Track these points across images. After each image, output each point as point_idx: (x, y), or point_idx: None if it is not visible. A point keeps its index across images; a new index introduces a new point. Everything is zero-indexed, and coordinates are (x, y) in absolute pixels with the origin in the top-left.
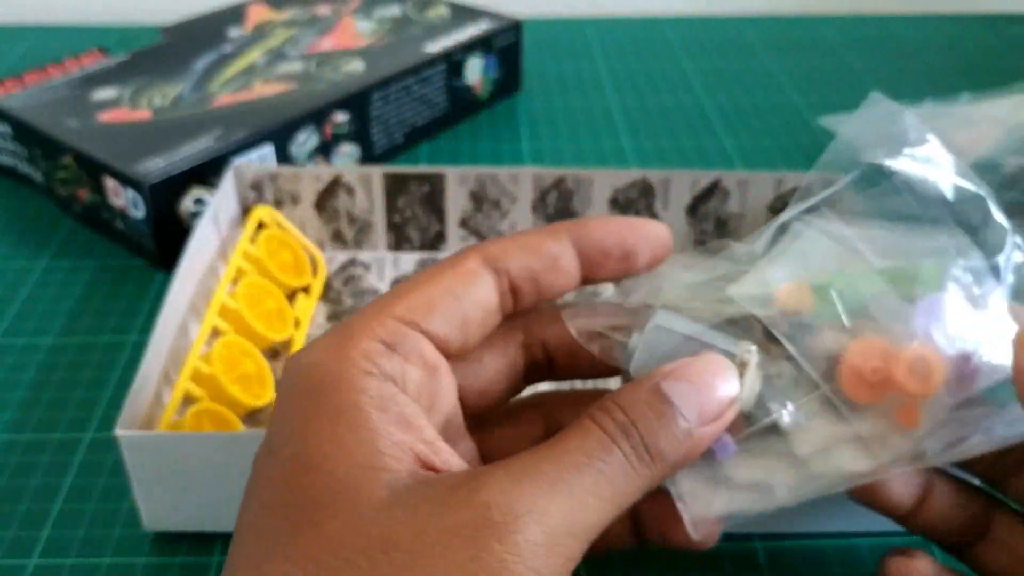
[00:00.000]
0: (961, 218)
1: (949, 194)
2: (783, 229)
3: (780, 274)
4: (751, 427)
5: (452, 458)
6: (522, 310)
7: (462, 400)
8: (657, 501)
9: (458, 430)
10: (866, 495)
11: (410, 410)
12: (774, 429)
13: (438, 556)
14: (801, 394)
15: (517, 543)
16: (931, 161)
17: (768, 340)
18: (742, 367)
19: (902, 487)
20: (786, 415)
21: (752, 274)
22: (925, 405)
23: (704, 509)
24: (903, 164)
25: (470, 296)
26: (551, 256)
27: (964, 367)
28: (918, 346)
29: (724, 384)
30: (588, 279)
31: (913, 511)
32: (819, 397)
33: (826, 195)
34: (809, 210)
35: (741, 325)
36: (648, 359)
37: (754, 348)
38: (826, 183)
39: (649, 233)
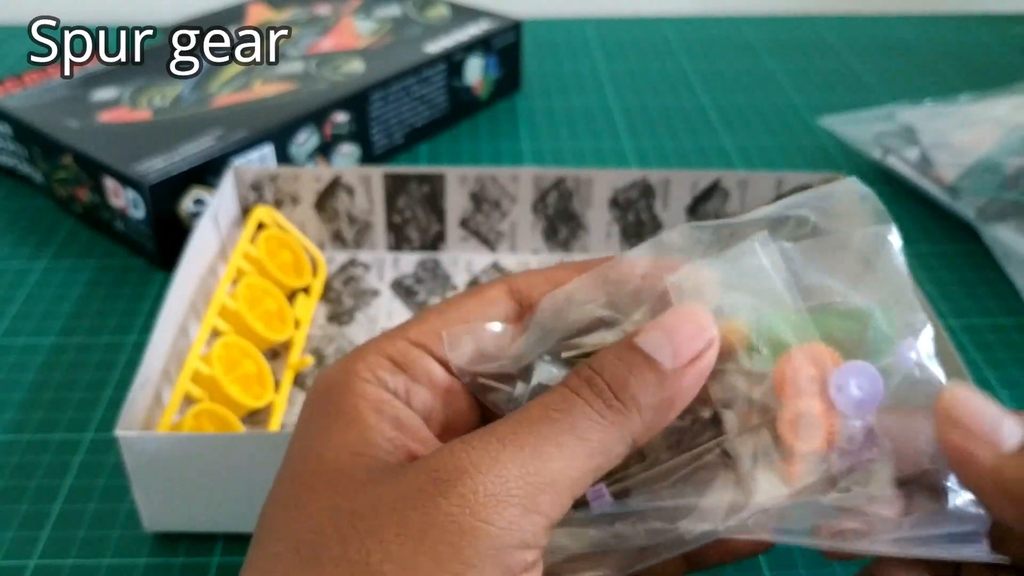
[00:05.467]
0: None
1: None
2: (661, 247)
3: (715, 293)
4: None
5: None
6: None
7: None
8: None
9: None
10: None
11: (405, 415)
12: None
13: (395, 521)
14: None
15: (463, 495)
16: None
17: None
18: None
19: None
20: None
21: (692, 273)
22: (807, 463)
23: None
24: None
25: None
26: None
27: (856, 442)
28: (810, 401)
29: (699, 327)
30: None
31: None
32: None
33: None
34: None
35: None
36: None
37: None
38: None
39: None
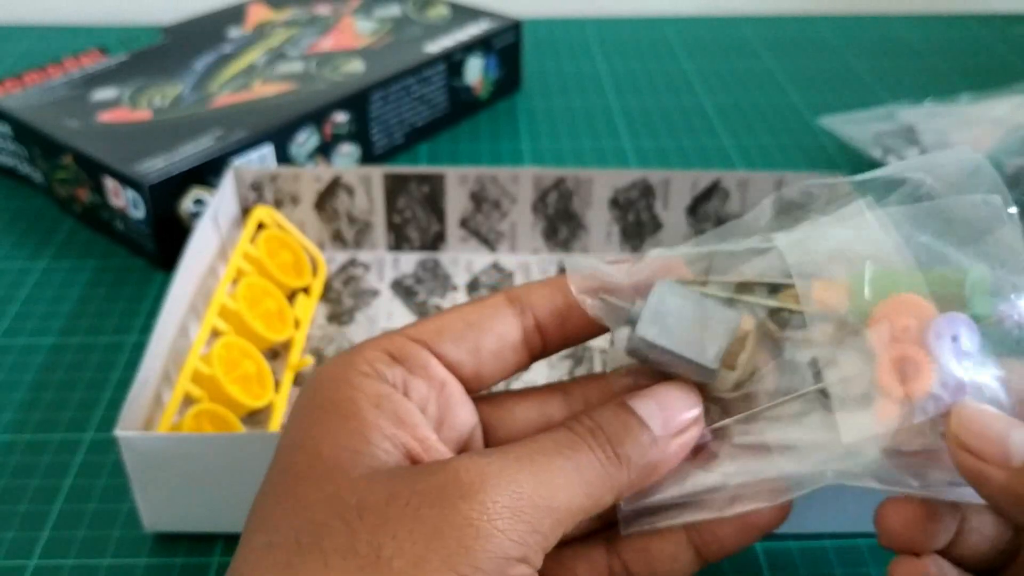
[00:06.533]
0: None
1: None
2: (782, 204)
3: (824, 250)
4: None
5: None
6: (551, 350)
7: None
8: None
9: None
10: (899, 540)
11: (405, 409)
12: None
13: (408, 516)
14: (799, 378)
15: (483, 503)
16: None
17: (771, 318)
18: (742, 338)
19: (934, 526)
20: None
21: (800, 234)
22: (900, 406)
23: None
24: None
25: (485, 326)
26: None
27: (949, 389)
28: (908, 347)
29: (687, 404)
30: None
31: (946, 548)
32: (812, 392)
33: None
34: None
35: (746, 297)
36: (650, 327)
37: (753, 321)
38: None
39: (668, 267)
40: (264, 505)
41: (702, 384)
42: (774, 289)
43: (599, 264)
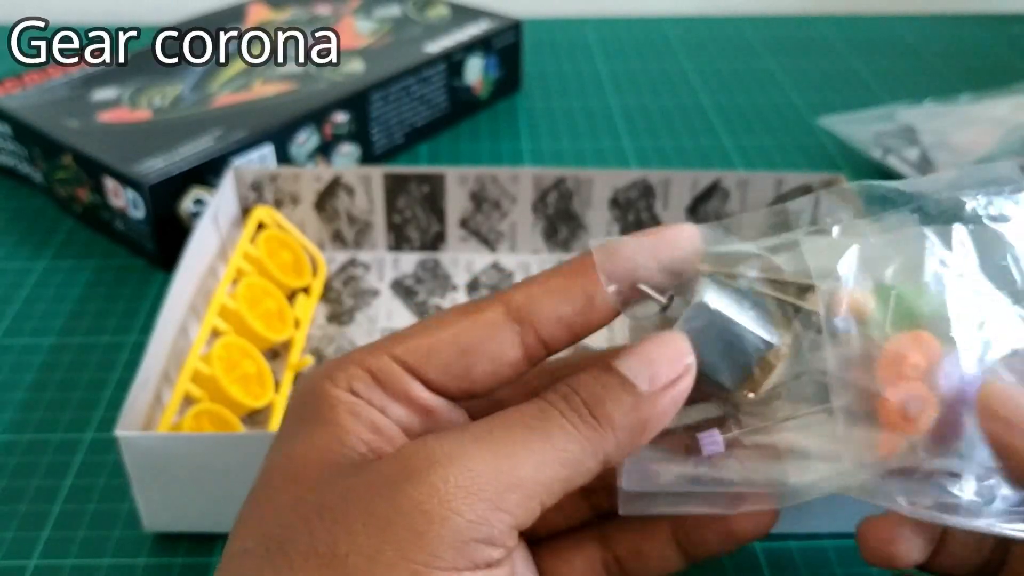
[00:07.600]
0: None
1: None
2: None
3: (851, 260)
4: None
5: None
6: (556, 352)
7: None
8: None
9: None
10: (878, 555)
11: (383, 421)
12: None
13: (361, 510)
14: (813, 395)
15: (433, 484)
16: None
17: (798, 319)
18: (776, 358)
19: (912, 543)
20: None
21: (833, 240)
22: (900, 440)
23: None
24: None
25: (480, 348)
26: (585, 296)
27: (948, 424)
28: (914, 385)
29: (676, 354)
30: (628, 301)
31: (930, 559)
32: (826, 409)
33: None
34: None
35: (779, 297)
36: (687, 331)
37: (786, 349)
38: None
39: (679, 238)
40: (243, 511)
41: (718, 390)
42: (804, 289)
43: (623, 240)
